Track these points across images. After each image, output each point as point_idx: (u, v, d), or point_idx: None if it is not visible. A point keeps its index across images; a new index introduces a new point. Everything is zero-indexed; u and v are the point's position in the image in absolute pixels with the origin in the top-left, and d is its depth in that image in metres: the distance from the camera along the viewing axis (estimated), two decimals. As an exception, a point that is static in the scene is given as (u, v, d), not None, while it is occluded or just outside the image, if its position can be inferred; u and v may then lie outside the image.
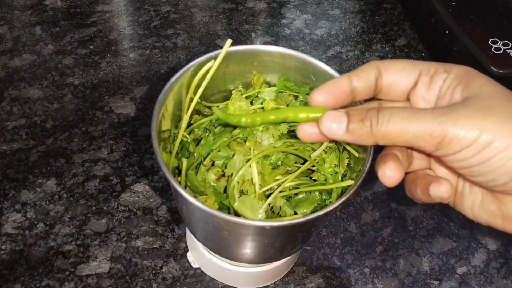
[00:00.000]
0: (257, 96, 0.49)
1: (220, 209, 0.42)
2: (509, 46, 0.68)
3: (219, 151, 0.43)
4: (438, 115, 0.27)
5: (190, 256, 0.53)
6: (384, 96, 0.33)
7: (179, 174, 0.42)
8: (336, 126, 0.30)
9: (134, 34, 0.78)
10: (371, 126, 0.28)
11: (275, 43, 0.79)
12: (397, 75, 0.32)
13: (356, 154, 0.43)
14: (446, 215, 0.60)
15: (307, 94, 0.48)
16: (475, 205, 0.32)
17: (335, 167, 0.44)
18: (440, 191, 0.30)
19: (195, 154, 0.44)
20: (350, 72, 0.33)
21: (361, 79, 0.32)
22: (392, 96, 0.33)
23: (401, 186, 0.62)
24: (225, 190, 0.43)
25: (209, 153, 0.44)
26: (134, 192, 0.58)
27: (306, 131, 0.33)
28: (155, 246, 0.54)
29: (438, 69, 0.31)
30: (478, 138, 0.26)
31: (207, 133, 0.46)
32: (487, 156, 0.26)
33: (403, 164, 0.32)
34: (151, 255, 0.53)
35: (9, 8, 0.79)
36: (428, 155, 0.33)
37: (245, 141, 0.45)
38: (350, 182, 0.40)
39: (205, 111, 0.48)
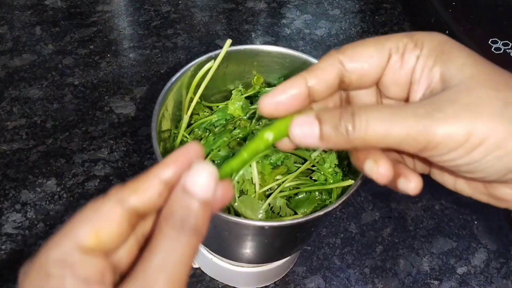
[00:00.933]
0: (257, 96, 0.49)
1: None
2: (509, 46, 0.68)
3: (219, 150, 0.44)
4: (422, 117, 0.24)
5: (190, 256, 0.53)
6: (353, 89, 0.29)
7: (179, 174, 0.42)
8: (308, 134, 0.26)
9: (134, 34, 0.78)
10: (347, 132, 0.25)
11: (275, 43, 0.79)
12: (366, 64, 0.27)
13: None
14: (446, 215, 0.60)
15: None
16: (459, 182, 0.29)
17: (335, 167, 0.44)
18: (408, 189, 0.27)
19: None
20: (306, 70, 0.28)
21: (319, 80, 0.27)
22: (362, 87, 0.29)
23: (401, 186, 0.62)
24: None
25: (209, 153, 0.44)
26: (134, 192, 0.58)
27: (283, 142, 0.28)
28: (155, 246, 0.54)
29: (408, 45, 0.27)
30: (467, 140, 0.24)
31: (207, 133, 0.46)
32: (477, 157, 0.24)
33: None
34: (151, 255, 0.53)
35: (9, 8, 0.79)
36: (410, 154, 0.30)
37: (245, 140, 0.45)
38: (350, 182, 0.40)
39: (205, 111, 0.48)
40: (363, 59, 0.27)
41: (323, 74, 0.27)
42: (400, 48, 0.27)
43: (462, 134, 0.24)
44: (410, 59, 0.27)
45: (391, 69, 0.28)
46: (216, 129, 0.46)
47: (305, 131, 0.26)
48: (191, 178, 0.23)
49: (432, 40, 0.27)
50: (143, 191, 0.23)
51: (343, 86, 0.28)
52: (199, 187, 0.22)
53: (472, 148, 0.24)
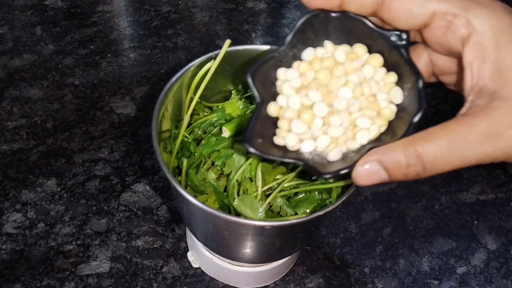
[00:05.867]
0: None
1: (221, 208, 0.42)
2: (509, 46, 0.68)
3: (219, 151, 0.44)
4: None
5: (190, 256, 0.53)
6: (386, 15, 0.29)
7: (179, 173, 0.42)
8: (375, 179, 0.28)
9: (135, 34, 0.78)
10: (418, 175, 0.27)
11: (275, 43, 0.79)
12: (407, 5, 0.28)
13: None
14: (446, 215, 0.60)
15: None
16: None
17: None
18: None
19: (195, 154, 0.44)
20: None
21: None
22: (398, 23, 0.29)
23: (401, 186, 0.62)
24: (226, 189, 0.43)
25: (211, 153, 0.44)
26: (135, 192, 0.58)
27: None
28: (155, 246, 0.54)
29: (456, 18, 0.27)
30: None
31: (207, 134, 0.46)
32: None
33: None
34: (152, 255, 0.53)
35: (9, 8, 0.79)
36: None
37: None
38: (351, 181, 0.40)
39: (205, 111, 0.48)
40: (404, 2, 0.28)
41: None
42: (447, 16, 0.27)
43: None
44: (455, 34, 0.27)
45: (435, 31, 0.28)
46: (215, 130, 0.46)
47: (372, 178, 0.28)
48: None
49: (484, 25, 0.26)
50: None
51: (376, 7, 0.29)
52: None
53: None
